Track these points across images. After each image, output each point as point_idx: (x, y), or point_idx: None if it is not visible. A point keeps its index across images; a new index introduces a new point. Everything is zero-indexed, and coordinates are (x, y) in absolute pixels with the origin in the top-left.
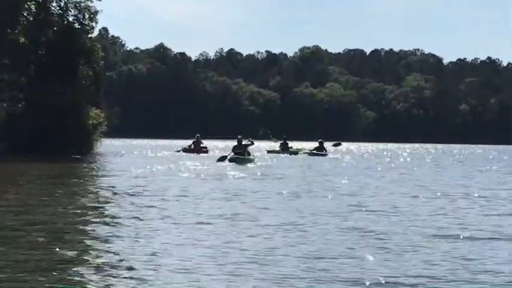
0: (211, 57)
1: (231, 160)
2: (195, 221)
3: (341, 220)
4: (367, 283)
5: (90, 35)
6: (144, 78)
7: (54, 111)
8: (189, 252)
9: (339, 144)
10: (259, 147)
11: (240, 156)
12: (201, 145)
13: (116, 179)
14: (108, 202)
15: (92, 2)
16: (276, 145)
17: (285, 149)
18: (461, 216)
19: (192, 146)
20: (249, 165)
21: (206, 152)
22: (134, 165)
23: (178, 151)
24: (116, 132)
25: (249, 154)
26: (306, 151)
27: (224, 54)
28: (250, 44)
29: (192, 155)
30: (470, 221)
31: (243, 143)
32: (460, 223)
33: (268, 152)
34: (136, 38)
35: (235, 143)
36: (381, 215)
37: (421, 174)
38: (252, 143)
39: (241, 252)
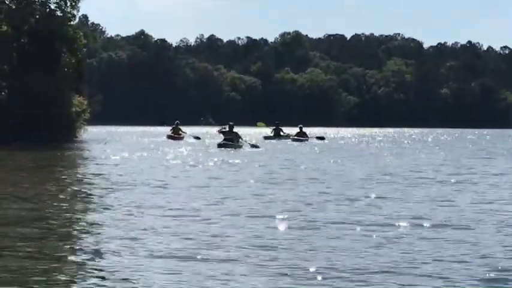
0: (192, 44)
1: (220, 145)
2: (180, 209)
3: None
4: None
5: (72, 23)
6: (124, 65)
7: (37, 100)
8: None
9: (323, 138)
10: (255, 134)
11: (229, 142)
12: (179, 131)
13: (100, 167)
14: (94, 190)
15: None
16: (268, 131)
17: (277, 134)
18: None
19: (172, 132)
20: (237, 150)
21: (182, 138)
22: (117, 153)
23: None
24: (97, 119)
25: (238, 141)
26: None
27: (204, 40)
28: (231, 30)
29: (170, 141)
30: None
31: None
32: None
33: (265, 138)
34: (116, 24)
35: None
36: None
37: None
38: (237, 134)
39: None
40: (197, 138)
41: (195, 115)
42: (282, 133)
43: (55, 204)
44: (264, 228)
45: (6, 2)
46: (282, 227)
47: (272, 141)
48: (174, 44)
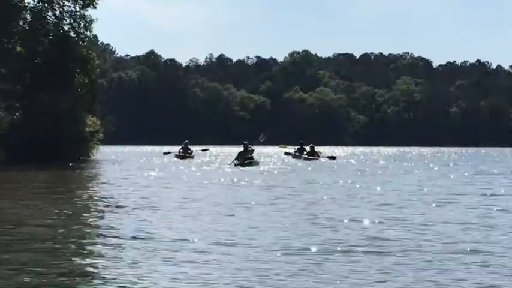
0: (202, 63)
1: (238, 165)
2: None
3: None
4: None
5: (85, 44)
6: (134, 85)
7: (51, 120)
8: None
9: (334, 158)
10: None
11: (250, 160)
12: (189, 151)
13: (116, 187)
14: (112, 213)
15: (86, 11)
16: (289, 151)
17: (301, 153)
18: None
19: (181, 151)
20: (255, 168)
21: (192, 157)
22: (130, 173)
23: (167, 153)
24: (107, 139)
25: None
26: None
27: (214, 59)
28: (240, 49)
29: (181, 160)
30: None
31: (248, 148)
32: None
33: (293, 157)
34: (126, 44)
35: (240, 148)
36: None
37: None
38: (253, 150)
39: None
40: (205, 150)
41: (204, 135)
42: (304, 152)
43: (69, 227)
44: None
45: (20, 23)
46: None
47: (299, 159)
48: (183, 64)
